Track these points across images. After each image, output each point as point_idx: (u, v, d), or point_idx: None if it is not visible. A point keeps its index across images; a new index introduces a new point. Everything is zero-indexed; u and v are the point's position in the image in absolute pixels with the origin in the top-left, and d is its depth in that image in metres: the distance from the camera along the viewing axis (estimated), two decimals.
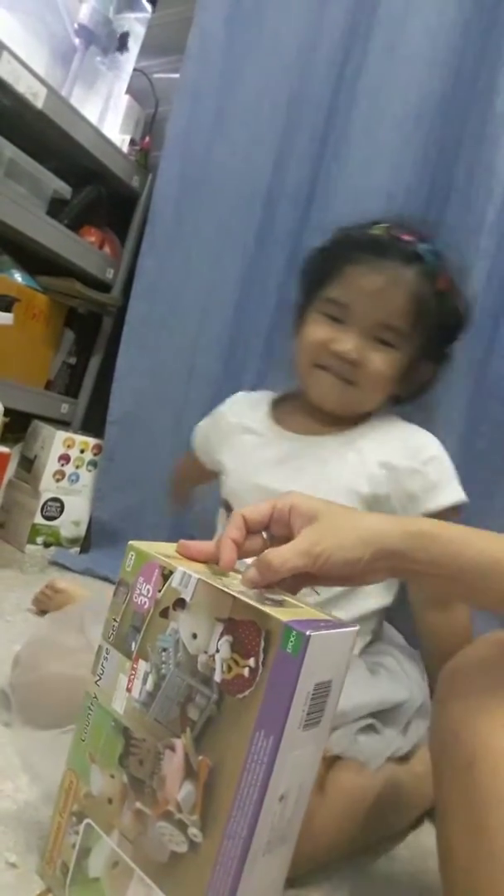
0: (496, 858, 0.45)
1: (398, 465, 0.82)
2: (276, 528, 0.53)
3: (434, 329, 0.83)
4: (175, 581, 0.47)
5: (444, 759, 0.52)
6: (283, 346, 1.09)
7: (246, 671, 0.43)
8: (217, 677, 0.44)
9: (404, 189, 1.18)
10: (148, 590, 0.48)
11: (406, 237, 0.82)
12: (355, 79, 1.24)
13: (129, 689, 0.49)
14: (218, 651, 0.44)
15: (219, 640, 0.44)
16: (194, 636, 0.46)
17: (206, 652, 0.45)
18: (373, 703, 0.72)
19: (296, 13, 1.30)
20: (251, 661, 0.42)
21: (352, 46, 1.26)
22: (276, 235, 1.34)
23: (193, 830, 0.44)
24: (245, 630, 0.43)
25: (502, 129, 1.10)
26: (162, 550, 0.51)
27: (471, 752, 0.49)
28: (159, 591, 0.48)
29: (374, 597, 0.83)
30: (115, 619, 0.50)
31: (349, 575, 0.50)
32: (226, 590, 0.45)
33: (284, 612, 0.43)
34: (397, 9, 1.20)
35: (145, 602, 0.49)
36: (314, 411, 0.87)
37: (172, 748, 0.45)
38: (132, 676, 0.48)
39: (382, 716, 0.73)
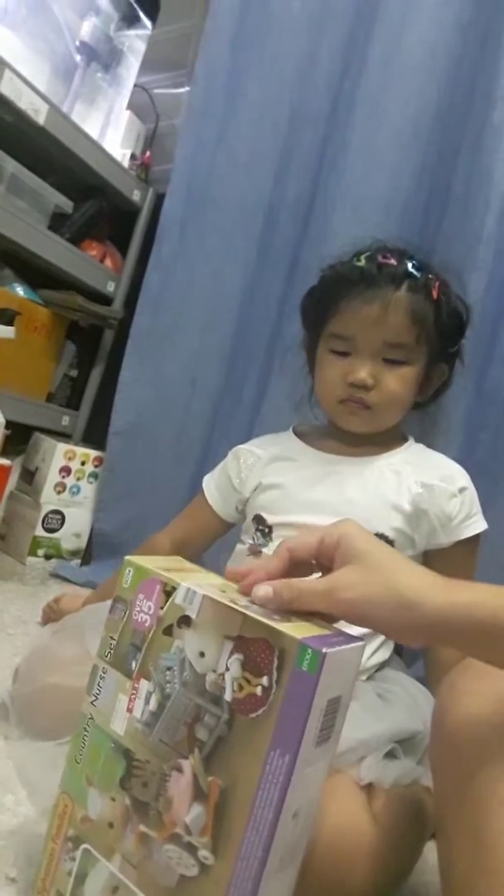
0: (497, 872, 0.45)
1: (436, 487, 0.85)
2: (323, 560, 0.50)
3: (438, 336, 0.86)
4: (179, 598, 0.46)
5: (444, 771, 0.52)
6: (285, 358, 1.10)
7: (259, 690, 0.41)
8: (228, 696, 0.43)
9: (402, 200, 1.19)
10: (149, 607, 0.47)
11: (390, 261, 0.85)
12: (353, 92, 1.25)
13: (129, 710, 0.47)
14: (228, 669, 0.43)
15: (228, 658, 0.43)
16: (202, 654, 0.44)
17: (214, 671, 0.43)
18: (390, 733, 0.70)
19: (296, 30, 1.32)
20: (264, 680, 0.41)
21: (350, 60, 1.28)
22: (277, 247, 1.35)
23: (204, 853, 0.42)
24: (257, 648, 0.42)
25: (499, 139, 1.11)
26: (161, 565, 0.49)
27: (471, 764, 0.48)
28: (161, 607, 0.46)
29: None
30: (112, 638, 0.48)
31: (378, 629, 0.47)
32: (235, 607, 0.44)
33: (295, 629, 0.42)
34: (394, 23, 1.21)
35: (146, 619, 0.47)
36: (344, 435, 0.90)
37: (180, 769, 0.44)
38: (133, 696, 0.47)
39: (399, 745, 0.72)
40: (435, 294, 0.86)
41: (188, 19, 1.42)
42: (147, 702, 0.46)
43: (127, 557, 0.49)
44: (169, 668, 0.45)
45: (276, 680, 0.41)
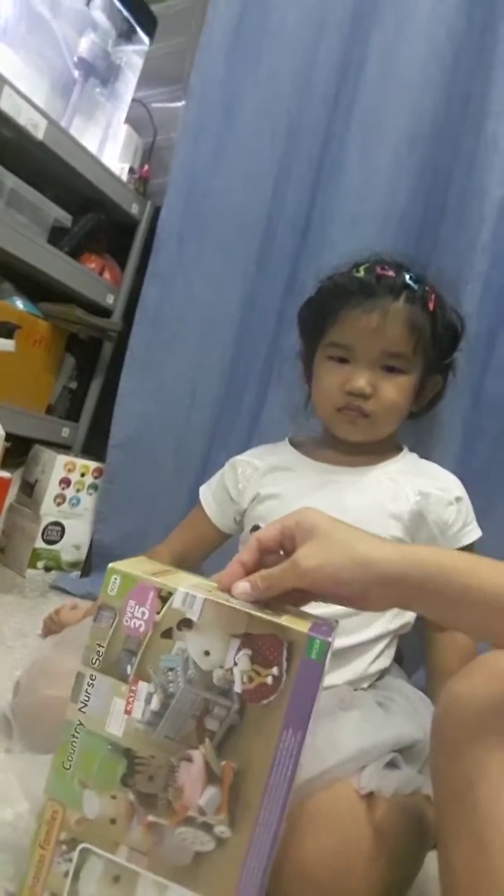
0: (498, 879, 0.45)
1: (433, 495, 0.86)
2: (287, 546, 0.53)
3: (433, 347, 0.88)
4: (177, 602, 0.48)
5: (444, 779, 0.51)
6: (283, 370, 1.11)
7: (269, 679, 0.46)
8: (237, 688, 0.47)
9: (399, 212, 1.20)
10: (143, 612, 0.49)
11: (388, 273, 0.87)
12: (350, 106, 1.26)
13: (128, 712, 0.49)
14: (236, 664, 0.47)
15: (236, 654, 0.47)
16: (207, 653, 0.47)
17: (222, 666, 0.47)
18: (390, 742, 0.71)
19: (292, 45, 1.34)
20: (274, 671, 0.46)
21: (346, 75, 1.29)
22: (276, 260, 1.36)
23: (220, 828, 0.47)
24: (265, 643, 0.47)
25: (493, 152, 1.12)
26: (147, 569, 0.51)
27: (471, 772, 0.48)
28: (158, 612, 0.48)
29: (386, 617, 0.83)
30: (99, 645, 0.50)
31: (345, 596, 0.50)
32: (241, 608, 0.48)
33: (293, 621, 0.48)
34: (389, 38, 1.23)
35: (140, 625, 0.49)
36: (340, 445, 0.91)
37: (190, 759, 0.47)
38: (131, 699, 0.49)
39: (400, 753, 0.72)
40: (431, 306, 0.88)
41: (185, 34, 1.44)
42: (148, 702, 0.48)
43: (111, 565, 0.50)
44: (171, 669, 0.48)
45: (285, 669, 0.46)
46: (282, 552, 0.54)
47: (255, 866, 0.46)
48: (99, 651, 0.50)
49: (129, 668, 0.49)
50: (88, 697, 0.50)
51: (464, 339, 0.94)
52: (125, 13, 1.58)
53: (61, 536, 1.46)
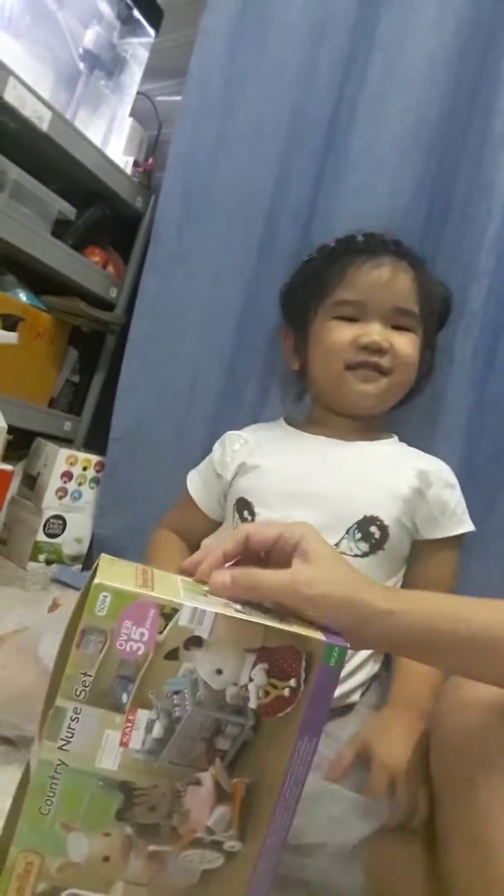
0: (500, 881, 0.45)
1: (432, 474, 0.84)
2: (277, 556, 0.51)
3: (434, 315, 0.89)
4: (184, 619, 0.44)
5: (445, 775, 0.52)
6: (285, 363, 1.10)
7: (286, 692, 0.44)
8: (252, 704, 0.44)
9: (403, 207, 1.19)
10: (141, 633, 0.44)
11: (388, 238, 0.88)
12: (355, 99, 1.26)
13: (124, 744, 0.44)
14: (251, 680, 0.44)
15: (252, 669, 0.44)
16: (219, 672, 0.44)
17: (235, 684, 0.44)
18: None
19: (297, 36, 1.32)
20: (292, 682, 0.44)
21: (351, 68, 1.28)
22: (278, 253, 1.35)
23: (230, 843, 0.45)
24: (283, 655, 0.44)
25: (501, 148, 1.12)
26: (126, 578, 0.46)
27: (472, 772, 0.48)
28: (160, 632, 0.44)
29: None
30: (84, 674, 0.43)
31: (333, 632, 0.48)
32: (257, 621, 0.45)
33: (303, 627, 0.46)
34: (396, 31, 1.22)
35: (139, 647, 0.44)
36: (337, 421, 0.89)
37: (198, 782, 0.45)
38: (128, 730, 0.44)
39: None
40: (428, 276, 0.89)
41: (191, 27, 1.43)
42: (149, 731, 0.44)
43: (98, 581, 0.44)
44: (177, 693, 0.44)
45: (303, 680, 0.44)
46: (262, 555, 0.52)
47: (264, 871, 0.45)
48: (84, 681, 0.43)
49: (124, 696, 0.44)
50: (72, 734, 0.44)
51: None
52: (131, 5, 1.57)
53: (63, 530, 1.46)
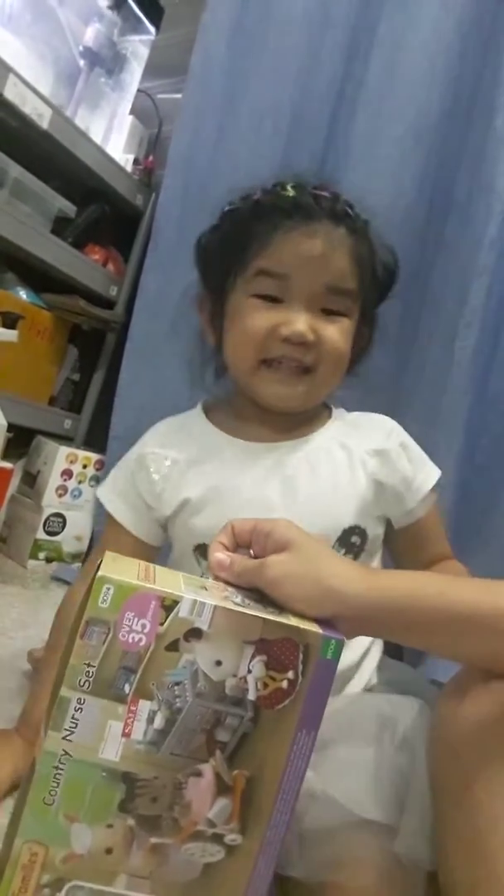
0: (498, 881, 0.45)
1: (386, 449, 0.75)
2: (255, 548, 0.54)
3: (372, 288, 0.75)
4: (183, 611, 0.45)
5: (443, 777, 0.52)
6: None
7: (285, 683, 0.45)
8: (252, 696, 0.45)
9: (404, 205, 1.19)
10: (143, 625, 0.44)
11: (325, 194, 0.73)
12: (355, 97, 1.25)
13: (127, 734, 0.45)
14: (250, 672, 0.45)
15: (250, 661, 0.45)
16: (218, 663, 0.45)
17: (234, 675, 0.45)
18: None
19: (297, 33, 1.32)
20: (290, 674, 0.45)
21: (352, 66, 1.28)
22: None
23: (231, 836, 0.46)
24: (280, 647, 0.45)
25: (502, 146, 1.11)
26: (129, 571, 0.46)
27: (471, 772, 0.48)
28: (161, 624, 0.44)
29: None
30: (88, 665, 0.44)
31: (301, 609, 0.49)
32: (255, 614, 0.46)
33: (301, 619, 0.47)
34: (396, 29, 1.22)
35: (141, 638, 0.44)
36: (267, 416, 0.75)
37: (199, 774, 0.45)
38: (130, 720, 0.45)
39: None
40: (370, 240, 0.75)
41: (191, 25, 1.42)
42: (151, 721, 0.45)
43: (101, 574, 0.44)
44: (177, 684, 0.45)
45: (301, 672, 0.45)
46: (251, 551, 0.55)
47: (265, 866, 0.46)
48: (88, 671, 0.44)
49: (127, 687, 0.44)
50: (76, 724, 0.44)
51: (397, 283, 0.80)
52: (131, 3, 1.57)
53: (63, 528, 1.46)
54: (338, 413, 0.81)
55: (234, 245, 0.73)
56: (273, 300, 0.70)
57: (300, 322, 0.68)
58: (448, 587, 0.50)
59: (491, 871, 0.45)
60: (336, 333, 0.70)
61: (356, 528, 0.74)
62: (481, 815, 0.47)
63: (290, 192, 0.73)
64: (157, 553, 0.80)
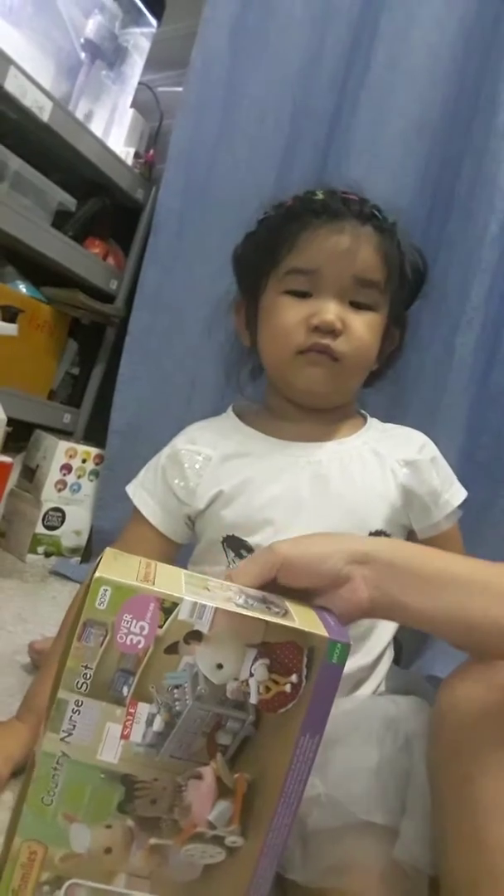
0: (498, 877, 0.45)
1: (417, 461, 0.78)
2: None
3: (401, 287, 0.79)
4: (183, 613, 0.44)
5: (442, 773, 0.52)
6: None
7: (288, 687, 0.44)
8: (253, 700, 0.44)
9: (406, 201, 1.19)
10: (141, 627, 0.43)
11: (353, 197, 0.77)
12: (357, 92, 1.25)
13: (125, 737, 0.44)
14: (252, 675, 0.44)
15: (252, 664, 0.44)
16: (219, 666, 0.44)
17: (236, 678, 0.44)
18: None
19: (299, 28, 1.32)
20: (293, 678, 0.44)
21: (354, 60, 1.27)
22: None
23: (232, 839, 0.45)
24: (284, 651, 0.44)
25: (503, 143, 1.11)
26: (130, 571, 0.46)
27: (470, 768, 0.48)
28: (160, 626, 0.44)
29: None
30: (86, 667, 0.44)
31: (324, 576, 0.50)
32: (258, 616, 0.44)
33: (307, 622, 0.46)
34: (399, 24, 1.21)
35: (139, 641, 0.43)
36: (302, 416, 0.79)
37: (199, 776, 0.45)
38: (128, 722, 0.44)
39: None
40: (398, 241, 0.78)
41: (193, 17, 1.42)
42: (150, 724, 0.44)
43: (99, 575, 0.43)
44: (177, 687, 0.44)
45: (305, 675, 0.44)
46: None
47: (266, 868, 0.45)
48: (85, 674, 0.44)
49: (125, 689, 0.44)
50: (73, 726, 0.44)
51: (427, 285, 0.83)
52: None
53: (62, 522, 1.45)
54: (372, 422, 0.84)
55: (266, 248, 0.78)
56: (304, 295, 0.74)
57: (329, 311, 0.72)
58: (452, 557, 0.53)
59: (492, 867, 0.45)
60: (363, 325, 0.74)
61: (382, 532, 0.75)
62: (481, 811, 0.46)
63: (320, 195, 0.77)
64: (178, 550, 0.82)
